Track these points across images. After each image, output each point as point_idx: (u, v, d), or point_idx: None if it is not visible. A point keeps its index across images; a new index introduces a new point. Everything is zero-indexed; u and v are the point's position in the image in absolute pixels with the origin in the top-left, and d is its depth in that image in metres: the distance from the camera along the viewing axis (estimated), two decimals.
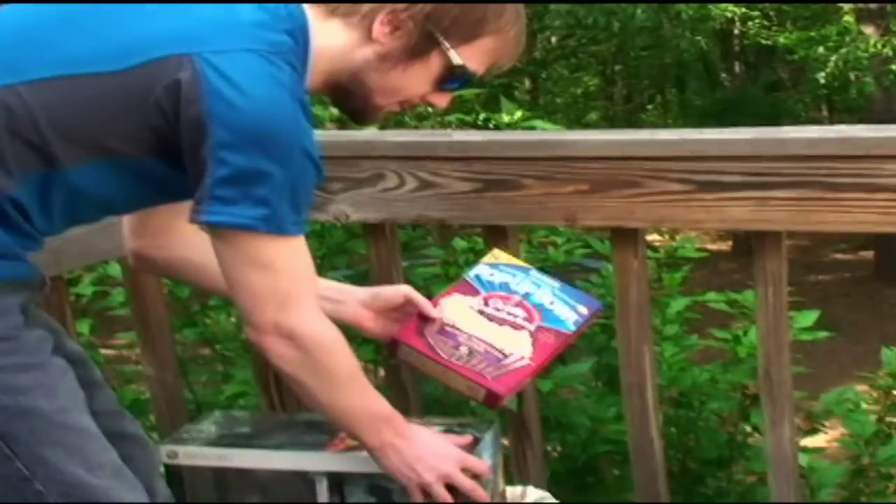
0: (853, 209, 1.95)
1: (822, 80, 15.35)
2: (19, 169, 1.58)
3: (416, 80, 1.77)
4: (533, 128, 2.86)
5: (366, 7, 1.71)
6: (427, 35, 1.72)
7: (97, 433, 1.71)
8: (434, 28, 1.72)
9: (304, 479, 1.97)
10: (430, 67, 1.76)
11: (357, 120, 1.86)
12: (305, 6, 1.74)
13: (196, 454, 2.04)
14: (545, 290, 2.01)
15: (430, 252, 2.99)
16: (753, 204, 1.98)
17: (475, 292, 2.02)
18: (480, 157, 2.17)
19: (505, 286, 2.03)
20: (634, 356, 2.21)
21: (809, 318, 2.77)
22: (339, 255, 2.87)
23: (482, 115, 3.19)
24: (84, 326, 3.02)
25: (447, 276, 2.68)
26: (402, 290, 2.02)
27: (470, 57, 1.76)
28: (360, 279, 3.00)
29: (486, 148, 2.17)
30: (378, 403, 1.84)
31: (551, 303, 1.99)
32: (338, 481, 1.96)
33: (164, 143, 1.61)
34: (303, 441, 2.02)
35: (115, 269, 2.89)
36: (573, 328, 1.97)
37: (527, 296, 2.00)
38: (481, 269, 2.07)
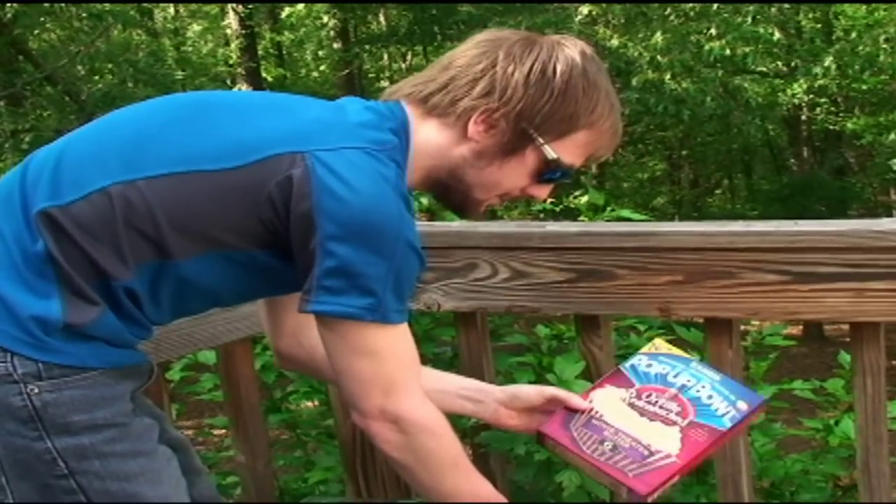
0: None
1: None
2: (134, 260, 1.65)
3: (513, 174, 1.83)
4: (625, 218, 2.86)
5: (461, 108, 1.77)
6: (521, 132, 1.78)
7: None
8: (527, 125, 1.78)
9: None
10: (526, 162, 1.81)
11: (460, 213, 1.92)
12: (405, 104, 1.81)
13: None
14: (704, 384, 1.94)
15: (514, 339, 2.99)
16: (851, 295, 1.97)
17: (629, 384, 1.98)
18: (574, 248, 2.19)
19: (662, 378, 1.97)
20: (729, 447, 2.19)
21: None
22: (427, 342, 2.88)
23: (565, 202, 3.21)
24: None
25: (538, 366, 2.68)
26: (545, 393, 2.02)
27: (565, 151, 1.82)
28: (446, 365, 3.02)
29: (580, 238, 2.19)
30: (482, 486, 1.85)
31: (709, 397, 1.92)
32: None
33: (273, 236, 1.67)
34: None
35: (204, 356, 2.92)
36: (728, 425, 1.88)
37: (683, 388, 1.94)
38: (638, 360, 2.02)
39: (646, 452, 1.84)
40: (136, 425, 1.72)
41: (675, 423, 1.88)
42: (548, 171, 1.83)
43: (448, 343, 2.94)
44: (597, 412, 1.93)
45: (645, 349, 2.05)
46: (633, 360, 2.03)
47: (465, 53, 1.81)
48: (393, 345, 1.71)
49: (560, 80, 1.77)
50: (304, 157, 1.64)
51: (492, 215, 2.24)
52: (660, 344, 2.06)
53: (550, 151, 1.80)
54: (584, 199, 3.08)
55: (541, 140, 1.79)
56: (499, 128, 1.77)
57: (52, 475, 1.64)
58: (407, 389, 1.74)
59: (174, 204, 1.65)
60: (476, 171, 1.81)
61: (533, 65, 1.76)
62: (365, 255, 1.63)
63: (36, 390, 1.61)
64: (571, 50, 1.80)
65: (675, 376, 1.97)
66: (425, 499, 1.89)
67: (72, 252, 1.62)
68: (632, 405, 1.93)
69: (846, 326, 2.09)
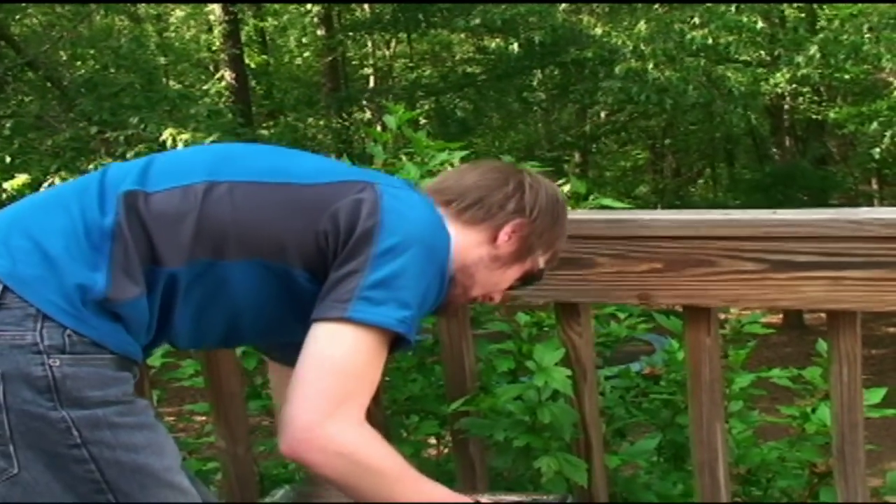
0: None
1: (877, 156, 15.27)
2: (191, 254, 1.77)
3: (509, 278, 2.04)
4: (606, 207, 2.88)
5: (497, 219, 1.98)
6: (531, 245, 2.01)
7: (195, 494, 1.83)
8: (536, 240, 2.02)
9: None
10: (522, 269, 2.03)
11: (441, 312, 2.07)
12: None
13: None
14: None
15: (495, 327, 3.00)
16: (828, 283, 2.00)
17: None
18: None
19: None
20: (706, 434, 2.21)
21: (877, 394, 2.73)
22: None
23: None
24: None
25: (519, 354, 2.69)
26: None
27: (545, 261, 2.06)
28: (427, 352, 3.03)
29: None
30: (438, 490, 1.86)
31: None
32: None
33: (318, 253, 1.79)
34: None
35: None
36: None
37: None
38: None
39: None
40: (139, 403, 1.80)
41: None
42: (529, 278, 2.07)
43: (429, 330, 2.95)
44: None
45: None
46: None
47: (485, 176, 2.02)
48: (377, 363, 1.77)
49: (560, 206, 2.06)
50: (375, 187, 1.83)
51: None
52: None
53: (541, 262, 2.05)
54: (567, 187, 3.09)
55: (539, 252, 2.04)
56: (519, 239, 1.99)
57: (64, 444, 1.68)
58: (353, 409, 1.74)
59: (248, 207, 1.80)
60: (487, 271, 2.00)
61: (548, 192, 2.03)
62: (412, 269, 1.76)
63: (57, 363, 1.68)
64: (551, 182, 2.10)
65: None
66: None
67: (137, 232, 1.74)
68: None
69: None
